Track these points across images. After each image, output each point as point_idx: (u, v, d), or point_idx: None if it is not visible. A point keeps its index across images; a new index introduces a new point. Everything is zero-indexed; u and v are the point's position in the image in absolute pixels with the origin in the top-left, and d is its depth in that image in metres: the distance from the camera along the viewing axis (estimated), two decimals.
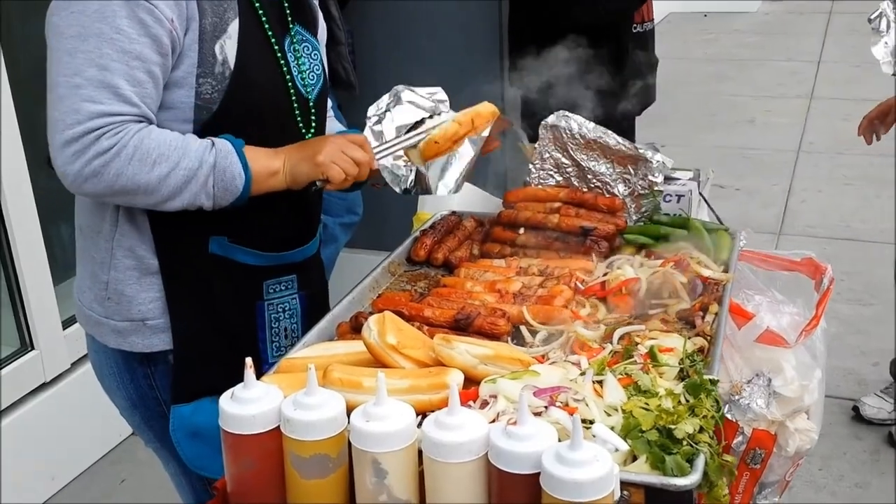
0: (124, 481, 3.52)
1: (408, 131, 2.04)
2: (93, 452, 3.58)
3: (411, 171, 2.03)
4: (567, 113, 2.26)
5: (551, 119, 2.28)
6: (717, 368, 1.63)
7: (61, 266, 3.47)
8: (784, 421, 2.05)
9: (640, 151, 2.23)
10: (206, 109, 1.75)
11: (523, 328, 1.84)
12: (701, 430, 1.41)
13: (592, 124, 2.26)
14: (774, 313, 2.11)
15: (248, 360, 1.39)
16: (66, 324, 3.44)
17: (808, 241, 5.30)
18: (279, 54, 1.84)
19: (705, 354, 1.70)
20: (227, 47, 1.74)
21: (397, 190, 2.03)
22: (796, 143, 6.90)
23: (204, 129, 1.76)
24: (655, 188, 2.23)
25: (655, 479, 1.34)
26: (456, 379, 1.49)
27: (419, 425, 1.34)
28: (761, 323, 2.00)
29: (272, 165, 1.78)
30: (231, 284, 1.89)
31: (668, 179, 2.30)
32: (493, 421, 1.43)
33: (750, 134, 7.14)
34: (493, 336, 1.73)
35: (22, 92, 3.23)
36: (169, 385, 1.90)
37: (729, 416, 1.98)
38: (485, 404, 1.48)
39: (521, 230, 2.20)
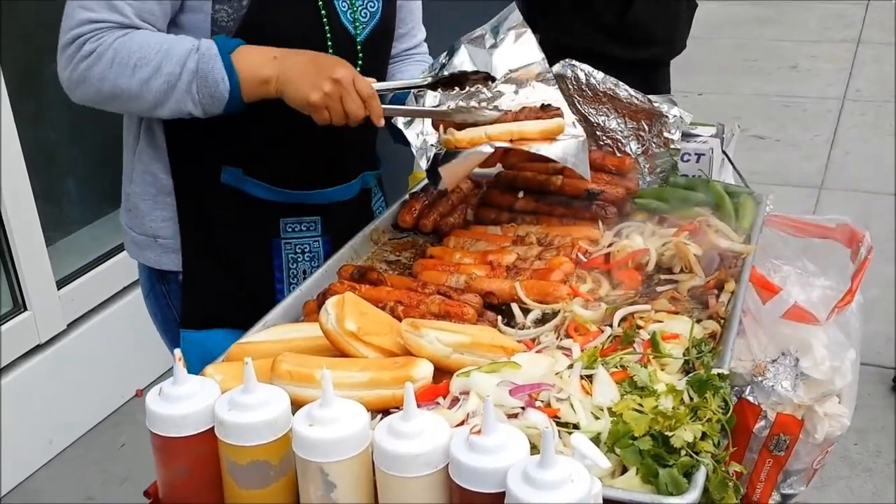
0: (124, 445, 3.43)
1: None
2: (92, 416, 3.50)
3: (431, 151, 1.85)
4: (573, 61, 2.03)
5: (556, 68, 2.05)
6: (729, 360, 1.42)
7: (54, 225, 3.34)
8: (812, 405, 1.86)
9: (655, 105, 2.00)
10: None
11: (515, 306, 1.64)
12: (704, 436, 1.21)
13: (601, 74, 2.02)
14: (804, 286, 1.91)
15: (178, 353, 1.21)
16: (61, 284, 3.33)
17: (852, 195, 5.03)
18: None
19: (717, 342, 1.49)
20: None
21: (422, 165, 1.85)
22: (841, 90, 6.54)
23: None
24: (672, 146, 2.01)
25: (646, 497, 1.14)
26: (421, 372, 1.30)
27: None
28: (789, 297, 1.81)
29: (263, 72, 1.67)
30: (244, 217, 1.85)
31: (686, 136, 2.07)
32: (463, 423, 1.24)
33: (792, 81, 6.79)
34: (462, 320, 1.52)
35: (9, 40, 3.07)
36: (182, 303, 1.92)
37: (751, 398, 1.82)
38: (455, 402, 1.29)
39: (521, 194, 1.99)
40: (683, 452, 1.18)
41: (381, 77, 1.91)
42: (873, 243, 1.99)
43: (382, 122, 1.73)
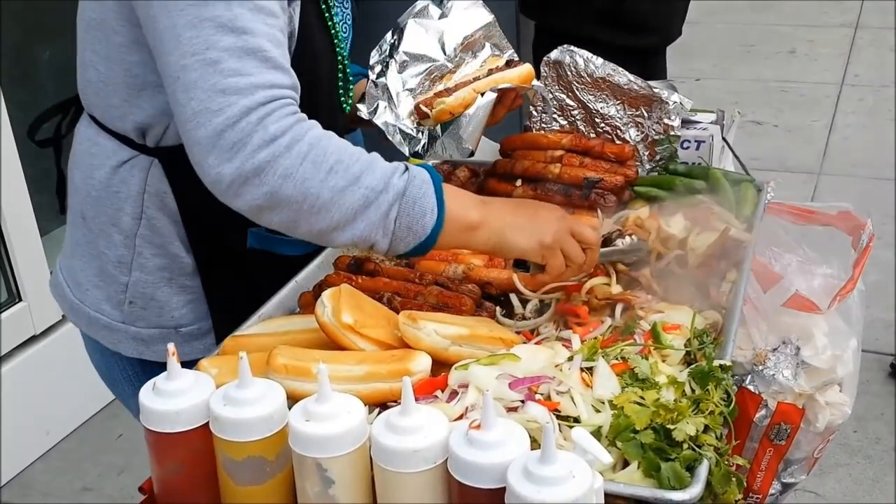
0: (121, 436, 3.42)
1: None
2: (88, 407, 3.49)
3: (423, 133, 1.82)
4: (572, 47, 2.00)
5: (554, 54, 2.02)
6: (731, 350, 1.40)
7: (48, 214, 3.32)
8: (813, 394, 1.85)
9: (655, 91, 1.97)
10: None
11: (513, 296, 1.63)
12: (706, 429, 1.20)
13: (601, 60, 1.99)
14: (805, 274, 1.90)
15: (171, 347, 1.19)
16: None
17: (851, 181, 5.01)
18: (323, 6, 1.57)
19: (718, 332, 1.47)
20: (295, 9, 1.44)
21: (405, 151, 1.80)
22: (840, 75, 6.50)
23: None
24: (672, 133, 1.98)
25: (648, 491, 1.13)
26: (419, 365, 1.28)
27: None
28: (790, 286, 1.80)
29: (471, 216, 1.41)
30: (272, 279, 1.65)
31: (686, 123, 2.03)
32: (462, 417, 1.22)
33: (790, 66, 6.75)
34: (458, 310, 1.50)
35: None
36: None
37: (751, 387, 1.81)
38: (454, 395, 1.27)
39: (519, 182, 1.96)
40: (686, 446, 1.17)
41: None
42: (873, 230, 1.98)
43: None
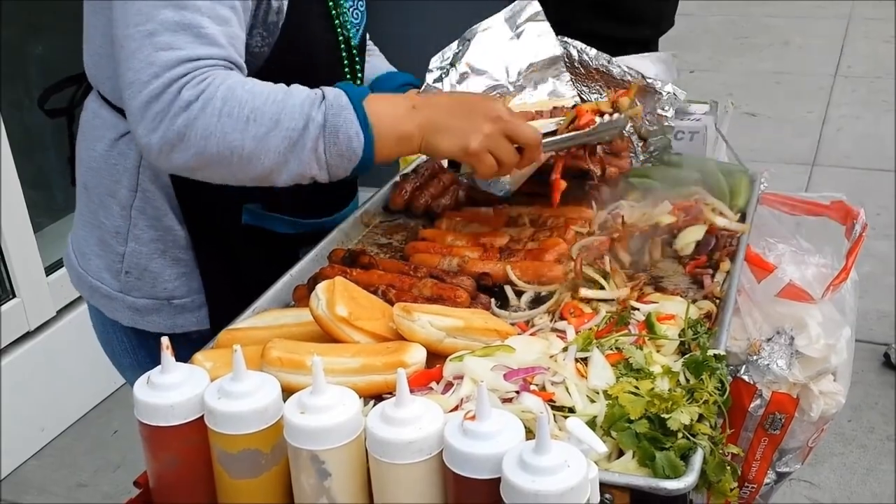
0: (117, 432, 3.42)
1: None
2: (84, 403, 3.49)
3: None
4: (566, 38, 2.00)
5: None
6: (725, 340, 1.40)
7: (42, 210, 3.31)
8: (808, 383, 1.85)
9: (649, 82, 1.97)
10: (251, 65, 1.50)
11: (508, 288, 1.62)
12: (701, 418, 1.20)
13: (594, 51, 1.99)
14: (799, 264, 1.90)
15: (165, 341, 1.19)
16: (50, 270, 3.31)
17: (844, 172, 5.02)
18: None
19: (712, 322, 1.48)
20: None
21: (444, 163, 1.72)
22: (833, 67, 6.51)
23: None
24: (666, 124, 1.97)
25: (643, 480, 1.13)
26: (414, 357, 1.28)
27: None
28: (783, 276, 1.80)
29: (403, 126, 1.43)
30: (267, 256, 1.67)
31: (680, 114, 2.03)
32: (457, 408, 1.22)
33: (783, 57, 6.76)
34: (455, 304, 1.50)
35: None
36: None
37: (746, 377, 1.82)
38: (449, 387, 1.27)
39: None
40: (680, 435, 1.16)
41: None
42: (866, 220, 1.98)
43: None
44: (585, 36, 2.07)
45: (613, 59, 1.99)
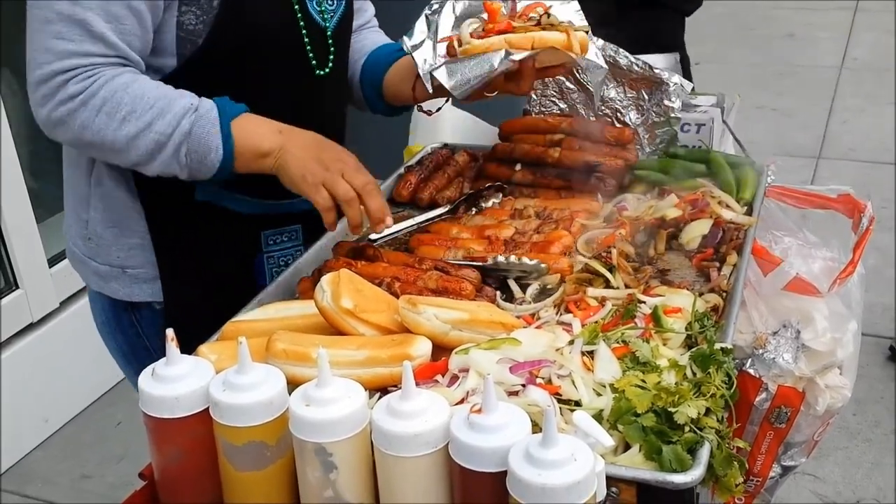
0: (120, 423, 3.42)
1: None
2: (87, 394, 3.48)
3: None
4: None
5: None
6: (732, 334, 1.39)
7: (45, 201, 3.30)
8: (813, 377, 1.85)
9: (656, 72, 1.96)
10: (189, 42, 1.55)
11: (511, 282, 1.62)
12: (707, 412, 1.19)
13: (601, 41, 1.98)
14: (805, 258, 1.89)
15: (170, 333, 1.18)
16: (53, 262, 3.31)
17: (850, 165, 5.00)
18: None
19: (719, 315, 1.47)
20: None
21: (428, 87, 1.67)
22: (839, 59, 6.49)
23: (189, 64, 1.55)
24: (672, 116, 1.97)
25: (649, 474, 1.12)
26: (419, 350, 1.27)
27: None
28: (790, 269, 1.79)
29: (263, 146, 1.54)
30: (225, 235, 1.71)
31: (687, 106, 2.02)
32: (462, 401, 1.22)
33: (789, 49, 6.73)
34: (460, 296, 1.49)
35: None
36: (157, 333, 1.72)
37: (752, 370, 1.81)
38: (454, 380, 1.27)
39: (518, 166, 1.95)
40: (687, 428, 1.16)
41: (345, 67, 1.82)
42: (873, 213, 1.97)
43: (386, 223, 1.59)
44: None
45: (620, 49, 1.98)
